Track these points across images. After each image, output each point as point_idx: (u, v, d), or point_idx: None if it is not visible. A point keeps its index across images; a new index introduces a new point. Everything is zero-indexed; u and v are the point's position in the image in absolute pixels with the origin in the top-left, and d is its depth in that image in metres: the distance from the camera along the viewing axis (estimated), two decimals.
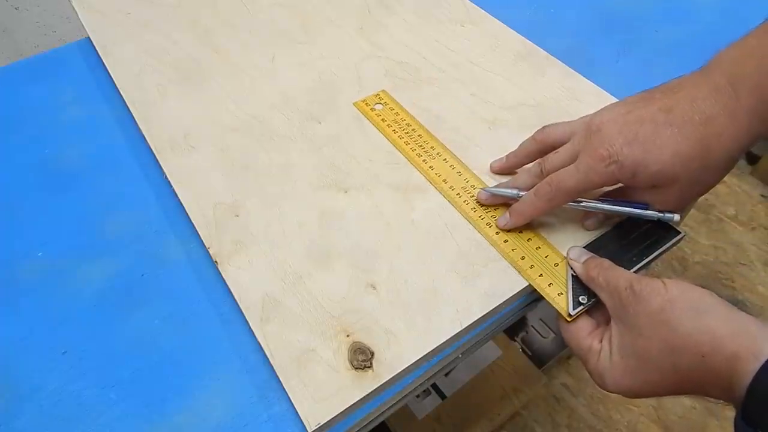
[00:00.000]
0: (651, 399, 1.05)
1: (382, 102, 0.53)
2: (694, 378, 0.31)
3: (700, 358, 0.30)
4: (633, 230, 0.41)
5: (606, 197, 0.41)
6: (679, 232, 0.40)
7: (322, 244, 0.42)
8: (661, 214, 0.39)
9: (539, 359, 1.03)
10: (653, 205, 0.39)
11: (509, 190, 0.42)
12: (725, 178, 1.36)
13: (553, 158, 0.40)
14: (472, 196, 0.45)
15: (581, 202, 0.40)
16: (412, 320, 0.38)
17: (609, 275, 0.36)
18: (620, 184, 0.39)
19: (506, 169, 0.46)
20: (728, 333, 0.30)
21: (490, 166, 0.46)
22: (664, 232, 0.41)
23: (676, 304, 0.32)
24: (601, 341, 0.36)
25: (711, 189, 0.38)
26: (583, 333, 0.37)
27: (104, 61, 0.57)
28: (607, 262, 0.37)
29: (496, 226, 0.42)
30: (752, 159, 1.44)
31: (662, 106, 0.37)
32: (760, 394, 0.27)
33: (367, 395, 0.35)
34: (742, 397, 0.28)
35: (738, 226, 1.32)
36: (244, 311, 0.38)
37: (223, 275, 0.40)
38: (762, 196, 1.38)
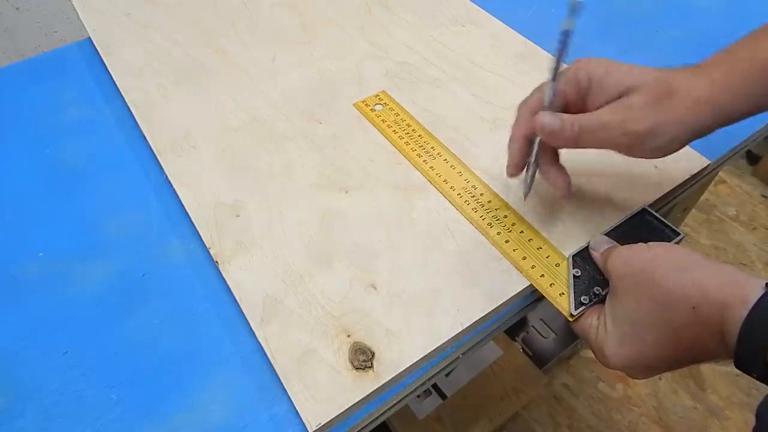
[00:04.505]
0: (652, 399, 1.05)
1: (381, 102, 0.53)
2: (689, 334, 0.31)
3: (691, 310, 0.30)
4: (632, 232, 0.41)
5: None
6: (679, 233, 0.40)
7: (322, 244, 0.42)
8: None
9: (540, 359, 1.03)
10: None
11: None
12: (726, 178, 1.36)
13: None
14: (473, 196, 0.45)
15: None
16: (413, 320, 0.38)
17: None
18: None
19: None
20: (715, 283, 0.30)
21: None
22: (664, 233, 0.41)
23: (659, 261, 0.33)
24: (598, 318, 0.36)
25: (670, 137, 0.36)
26: (585, 313, 0.37)
27: (105, 62, 0.57)
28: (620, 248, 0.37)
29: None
30: (753, 159, 1.44)
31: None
32: (749, 339, 0.28)
33: (368, 395, 0.35)
34: (734, 344, 0.29)
35: (739, 226, 1.32)
36: (244, 311, 0.38)
37: (223, 275, 0.40)
38: (763, 196, 1.38)
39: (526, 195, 0.42)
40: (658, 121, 0.35)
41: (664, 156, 0.37)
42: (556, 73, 0.36)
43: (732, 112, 0.36)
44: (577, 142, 0.36)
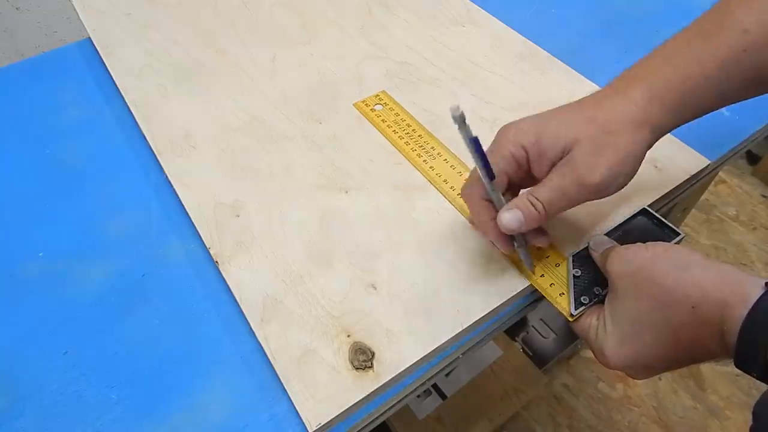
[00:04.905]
0: (652, 399, 1.05)
1: (381, 102, 0.53)
2: (688, 333, 0.31)
3: (691, 310, 0.30)
4: (632, 232, 0.41)
5: None
6: (679, 233, 0.40)
7: (322, 244, 0.42)
8: None
9: (540, 359, 1.03)
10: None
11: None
12: (726, 178, 1.35)
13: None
14: None
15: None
16: (413, 320, 0.38)
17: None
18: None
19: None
20: (715, 282, 0.30)
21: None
22: (664, 233, 0.41)
23: (658, 260, 0.33)
24: (597, 318, 0.36)
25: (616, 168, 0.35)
26: (585, 313, 0.37)
27: (105, 62, 0.57)
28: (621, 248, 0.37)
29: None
30: (753, 159, 1.44)
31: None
32: (749, 338, 0.28)
33: (368, 395, 0.35)
34: (734, 343, 0.29)
35: (739, 226, 1.32)
36: (244, 311, 0.38)
37: (223, 275, 0.40)
38: (763, 196, 1.38)
39: (532, 268, 0.40)
40: (610, 165, 0.35)
41: (626, 185, 0.37)
42: (489, 173, 0.35)
43: (666, 124, 0.36)
44: (547, 219, 0.36)
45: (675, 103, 0.36)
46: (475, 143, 0.33)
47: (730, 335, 0.29)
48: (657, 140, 0.37)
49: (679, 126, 0.37)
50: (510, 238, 0.38)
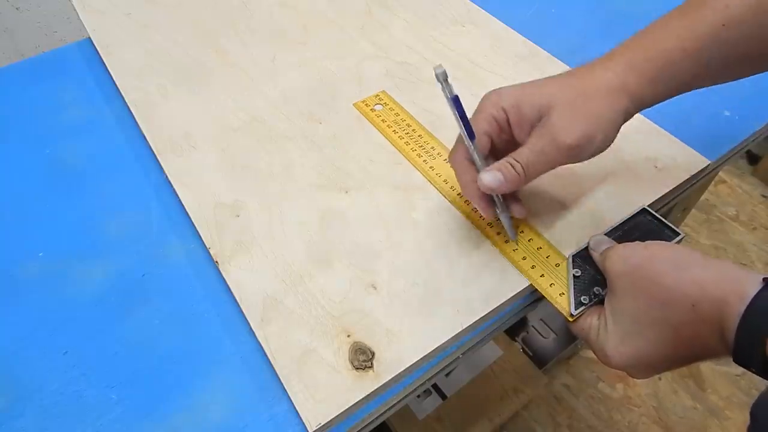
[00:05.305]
0: (652, 399, 1.05)
1: (381, 102, 0.53)
2: (689, 332, 0.31)
3: (690, 308, 0.31)
4: (632, 232, 0.41)
5: None
6: (679, 233, 0.40)
7: (322, 244, 0.42)
8: None
9: (540, 359, 1.03)
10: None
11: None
12: (726, 178, 1.35)
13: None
14: None
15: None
16: (413, 320, 0.38)
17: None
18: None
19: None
20: (714, 280, 0.30)
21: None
22: (664, 233, 0.41)
23: (655, 259, 0.33)
24: (599, 318, 0.36)
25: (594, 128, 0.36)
26: (585, 313, 0.37)
27: (105, 62, 0.57)
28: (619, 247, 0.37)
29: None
30: (753, 159, 1.44)
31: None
32: (747, 333, 0.28)
33: (368, 395, 0.35)
34: (733, 339, 0.29)
35: (739, 226, 1.32)
36: (244, 311, 0.38)
37: (223, 275, 0.40)
38: (763, 196, 1.38)
39: (516, 237, 0.41)
40: (585, 126, 0.36)
41: (605, 150, 0.38)
42: (469, 132, 0.37)
43: (645, 96, 0.37)
44: (527, 180, 0.37)
45: (652, 73, 0.36)
46: (455, 101, 0.35)
47: (729, 332, 0.29)
48: (636, 112, 0.38)
49: (659, 101, 0.38)
50: (491, 203, 0.39)
